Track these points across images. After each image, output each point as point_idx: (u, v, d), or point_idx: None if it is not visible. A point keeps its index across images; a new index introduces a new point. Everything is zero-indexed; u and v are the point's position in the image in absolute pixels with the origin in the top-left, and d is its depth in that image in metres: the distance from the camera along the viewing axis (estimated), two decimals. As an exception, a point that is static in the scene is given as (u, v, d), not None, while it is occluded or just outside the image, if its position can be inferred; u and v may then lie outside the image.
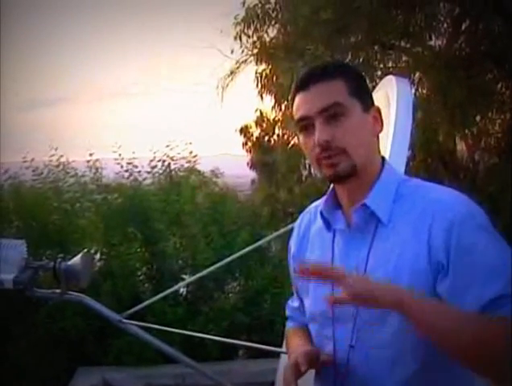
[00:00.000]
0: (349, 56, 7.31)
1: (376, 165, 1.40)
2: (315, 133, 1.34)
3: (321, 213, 1.44)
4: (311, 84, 1.35)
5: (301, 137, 1.40)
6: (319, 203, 1.50)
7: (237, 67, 8.88)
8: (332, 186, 1.45)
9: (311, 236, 1.51)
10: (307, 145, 1.37)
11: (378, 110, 1.41)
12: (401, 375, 1.30)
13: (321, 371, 1.43)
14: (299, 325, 1.60)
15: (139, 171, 6.60)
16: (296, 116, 1.38)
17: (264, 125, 11.00)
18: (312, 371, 1.44)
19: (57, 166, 6.37)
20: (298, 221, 1.59)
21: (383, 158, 1.43)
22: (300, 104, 1.37)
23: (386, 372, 1.31)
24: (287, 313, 1.68)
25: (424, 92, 7.95)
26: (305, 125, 1.36)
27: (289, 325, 1.67)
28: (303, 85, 1.37)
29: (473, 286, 1.21)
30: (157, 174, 6.72)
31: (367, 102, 1.38)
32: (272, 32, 8.15)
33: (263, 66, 8.53)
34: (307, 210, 1.58)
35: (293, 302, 1.65)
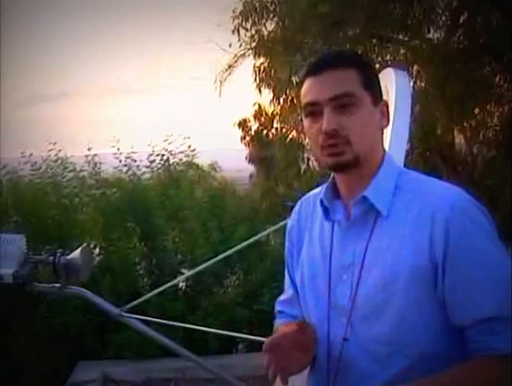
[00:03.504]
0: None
1: (378, 157, 1.38)
2: (321, 119, 1.31)
3: (321, 201, 1.42)
4: (325, 69, 1.32)
5: (306, 122, 1.36)
6: (318, 192, 1.48)
7: (235, 61, 8.88)
8: (332, 176, 1.42)
9: (310, 224, 1.48)
10: (312, 131, 1.34)
11: (386, 105, 1.39)
12: (394, 371, 1.29)
13: (315, 364, 1.42)
14: (290, 319, 1.53)
15: (138, 166, 6.59)
16: (305, 100, 1.35)
17: (262, 118, 11.02)
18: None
19: (56, 161, 6.36)
20: (296, 208, 1.55)
21: (384, 151, 1.42)
22: (310, 89, 1.33)
23: (379, 368, 1.30)
24: (277, 308, 1.60)
25: (422, 85, 7.94)
26: (312, 110, 1.34)
27: (278, 321, 1.57)
28: (315, 70, 1.33)
29: (468, 300, 1.25)
30: (155, 169, 6.72)
31: (377, 96, 1.36)
32: (270, 26, 8.15)
33: (261, 60, 8.53)
34: (305, 197, 1.55)
35: (283, 296, 1.59)
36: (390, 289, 1.28)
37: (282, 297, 1.59)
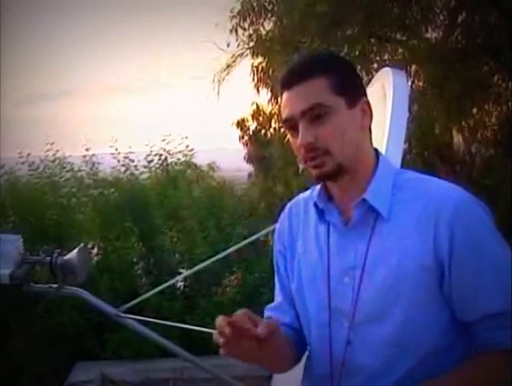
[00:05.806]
0: (345, 49, 7.29)
1: (369, 159, 1.37)
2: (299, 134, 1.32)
3: (315, 204, 1.40)
4: (293, 83, 1.32)
5: (289, 137, 1.37)
6: (307, 195, 1.46)
7: (233, 61, 8.87)
8: None
9: (302, 228, 1.46)
10: (295, 145, 1.35)
11: (367, 102, 1.36)
12: (398, 374, 1.28)
13: (317, 369, 1.40)
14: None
15: (136, 166, 6.59)
16: (282, 116, 1.36)
17: (260, 118, 11.00)
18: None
19: (53, 161, 6.36)
20: (286, 212, 1.52)
21: (376, 151, 1.40)
22: (284, 105, 1.34)
23: (384, 369, 1.29)
24: (266, 314, 1.54)
25: (420, 84, 7.94)
26: (290, 125, 1.34)
27: None
28: (285, 84, 1.34)
29: (476, 297, 1.26)
30: (153, 169, 6.72)
31: (353, 97, 1.33)
32: (268, 25, 8.15)
33: (259, 59, 8.52)
34: (293, 201, 1.52)
35: (273, 303, 1.55)
36: (396, 291, 1.28)
37: (271, 304, 1.56)
